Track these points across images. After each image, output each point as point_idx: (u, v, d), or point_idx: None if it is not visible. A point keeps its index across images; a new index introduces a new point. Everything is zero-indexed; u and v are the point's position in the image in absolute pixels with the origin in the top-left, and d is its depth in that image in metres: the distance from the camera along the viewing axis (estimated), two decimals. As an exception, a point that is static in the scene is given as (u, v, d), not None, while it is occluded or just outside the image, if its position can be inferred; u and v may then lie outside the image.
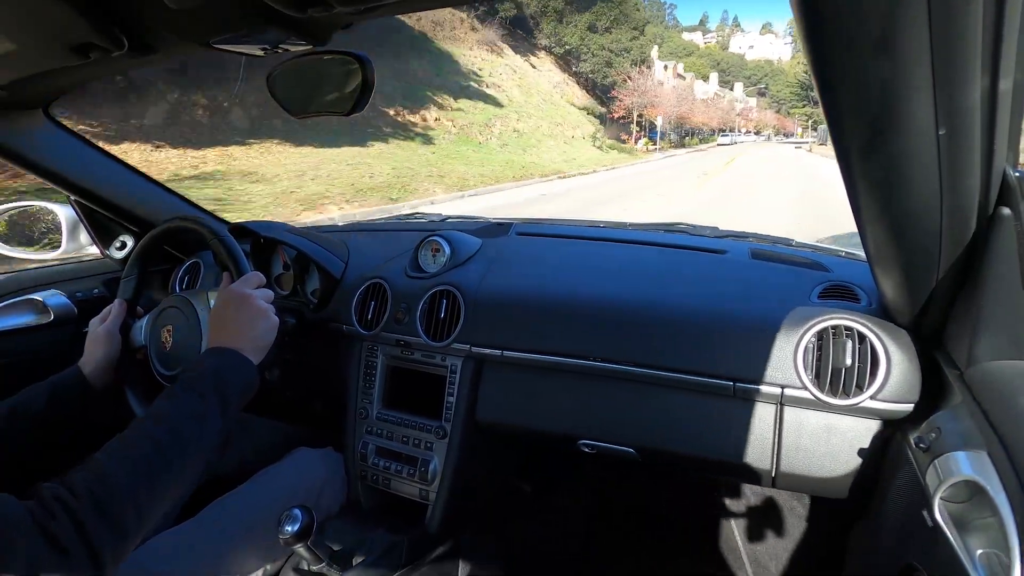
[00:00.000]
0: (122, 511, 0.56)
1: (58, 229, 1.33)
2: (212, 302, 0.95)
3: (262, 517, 0.95)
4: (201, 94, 10.85)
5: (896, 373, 0.80)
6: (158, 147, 9.18)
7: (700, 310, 0.97)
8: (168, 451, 0.64)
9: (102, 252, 1.39)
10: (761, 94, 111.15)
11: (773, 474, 0.91)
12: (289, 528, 0.83)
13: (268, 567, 0.96)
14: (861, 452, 0.86)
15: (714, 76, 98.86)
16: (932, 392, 0.78)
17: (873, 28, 0.37)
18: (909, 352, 0.81)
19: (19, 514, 0.51)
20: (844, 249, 1.26)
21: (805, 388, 0.86)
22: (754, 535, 1.41)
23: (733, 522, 1.47)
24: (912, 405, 0.80)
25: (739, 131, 72.78)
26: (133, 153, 8.64)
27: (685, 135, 50.45)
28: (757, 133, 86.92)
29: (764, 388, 0.89)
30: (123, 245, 1.39)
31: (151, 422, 0.65)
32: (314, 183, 9.16)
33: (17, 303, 1.23)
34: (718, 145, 53.05)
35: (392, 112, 15.18)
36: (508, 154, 17.22)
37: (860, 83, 0.42)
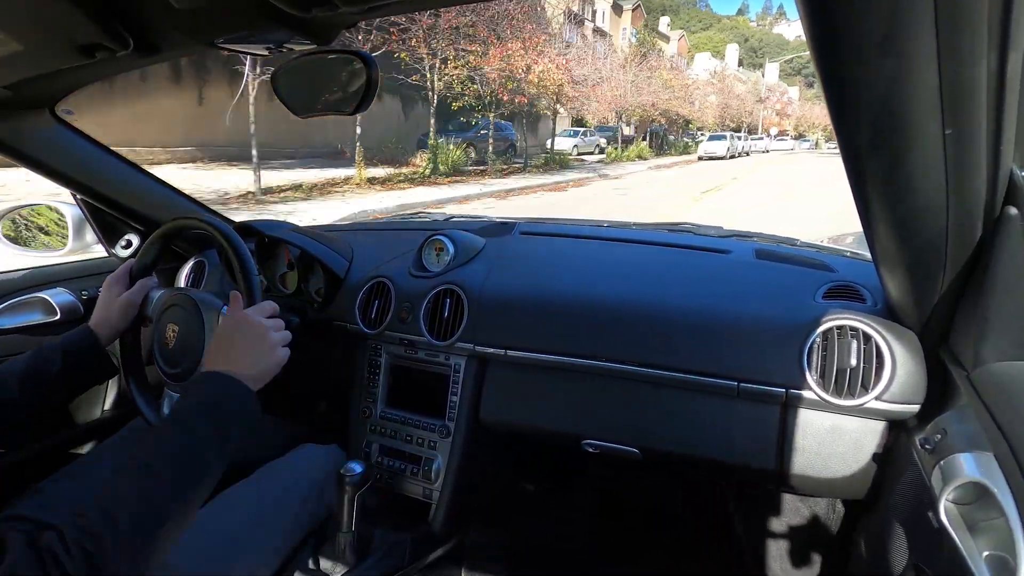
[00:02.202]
0: (116, 566, 0.54)
1: (64, 228, 1.34)
2: (226, 310, 0.96)
3: (266, 511, 0.95)
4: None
5: (902, 374, 0.80)
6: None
7: (704, 310, 0.97)
8: (162, 499, 0.60)
9: (108, 251, 1.40)
10: (809, 84, 78.98)
11: (777, 475, 0.91)
12: (349, 477, 0.95)
13: (273, 563, 0.96)
14: (866, 453, 0.85)
15: (733, 51, 69.38)
16: (938, 393, 0.77)
17: (878, 28, 0.37)
18: (915, 353, 0.80)
19: (21, 563, 0.50)
20: (849, 249, 1.26)
21: (810, 388, 0.85)
22: (758, 535, 1.40)
23: (737, 522, 1.47)
24: (918, 406, 0.79)
25: (764, 133, 45.20)
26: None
27: (630, 138, 24.34)
28: (799, 137, 53.68)
29: (768, 388, 0.88)
30: (129, 244, 1.40)
31: (143, 468, 0.61)
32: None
33: (24, 301, 1.24)
34: (701, 159, 23.55)
35: None
36: None
37: (866, 82, 0.41)
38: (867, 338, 0.83)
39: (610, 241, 1.33)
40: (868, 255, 0.82)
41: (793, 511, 1.39)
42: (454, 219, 1.71)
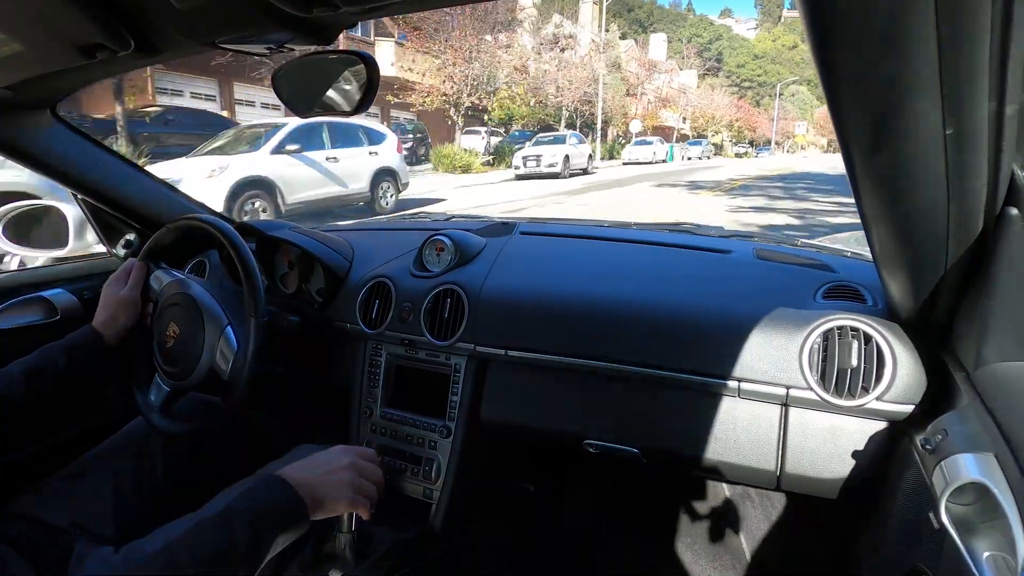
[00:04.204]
0: None
1: (65, 227, 1.34)
2: (230, 332, 0.96)
3: None
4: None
5: (902, 374, 0.80)
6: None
7: (705, 310, 0.97)
8: None
9: (108, 251, 1.40)
10: (710, 70, 67.02)
11: (778, 475, 0.91)
12: None
13: (272, 562, 0.96)
14: (866, 454, 0.85)
15: (587, 7, 38.84)
16: (939, 394, 0.77)
17: (879, 25, 0.37)
18: (915, 353, 0.80)
19: None
20: (850, 249, 1.26)
21: (810, 389, 0.85)
22: (759, 537, 1.40)
23: (738, 523, 1.47)
24: (918, 407, 0.79)
25: (599, 129, 24.51)
26: None
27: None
28: (698, 137, 36.66)
29: (769, 389, 0.88)
30: (129, 244, 1.40)
31: (170, 561, 0.61)
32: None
33: (24, 301, 1.24)
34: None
35: None
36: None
37: (866, 81, 0.41)
38: (867, 338, 0.83)
39: (610, 241, 1.33)
40: (868, 255, 0.81)
41: (793, 511, 1.39)
42: (455, 219, 1.71)
